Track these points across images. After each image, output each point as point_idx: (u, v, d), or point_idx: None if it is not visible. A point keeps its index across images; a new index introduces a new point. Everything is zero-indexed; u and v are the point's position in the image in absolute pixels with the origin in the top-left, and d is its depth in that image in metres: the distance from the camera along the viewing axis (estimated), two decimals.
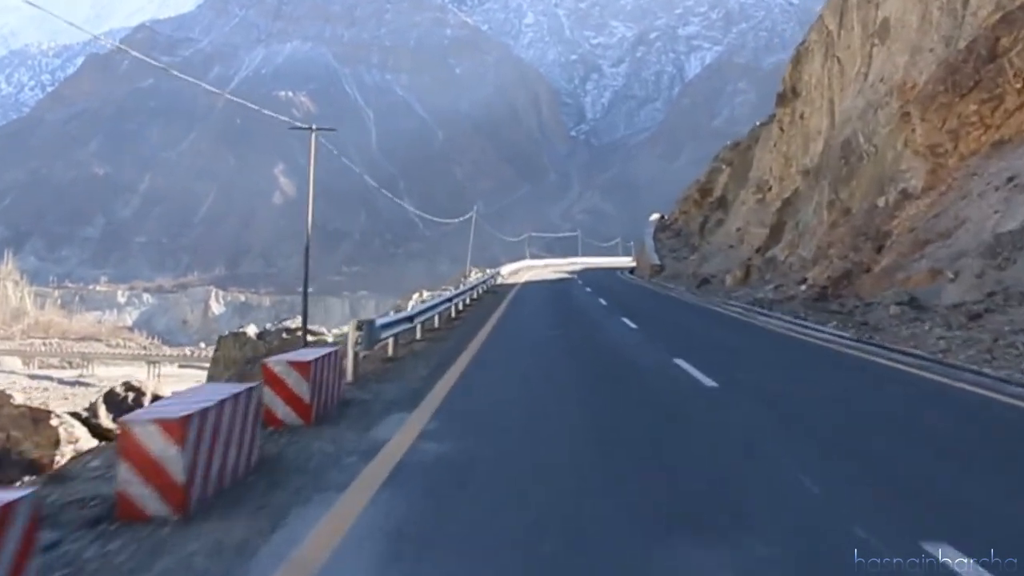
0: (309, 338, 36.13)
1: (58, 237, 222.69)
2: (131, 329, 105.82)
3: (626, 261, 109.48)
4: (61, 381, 62.84)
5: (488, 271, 51.89)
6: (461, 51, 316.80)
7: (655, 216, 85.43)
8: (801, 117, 44.98)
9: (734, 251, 47.82)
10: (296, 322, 42.72)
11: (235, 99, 40.57)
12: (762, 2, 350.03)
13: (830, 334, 18.46)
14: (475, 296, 32.62)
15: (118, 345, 73.04)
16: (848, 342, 17.02)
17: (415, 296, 38.07)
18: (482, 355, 14.92)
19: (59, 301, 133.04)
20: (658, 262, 57.13)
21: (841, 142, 34.34)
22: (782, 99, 49.70)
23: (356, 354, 12.28)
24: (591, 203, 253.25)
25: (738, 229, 50.62)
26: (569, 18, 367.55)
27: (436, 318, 20.71)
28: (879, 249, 25.47)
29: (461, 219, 77.65)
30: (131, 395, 25.97)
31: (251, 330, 47.11)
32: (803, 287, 28.04)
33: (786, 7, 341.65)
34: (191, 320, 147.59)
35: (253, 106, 36.16)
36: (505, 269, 58.40)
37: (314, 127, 38.02)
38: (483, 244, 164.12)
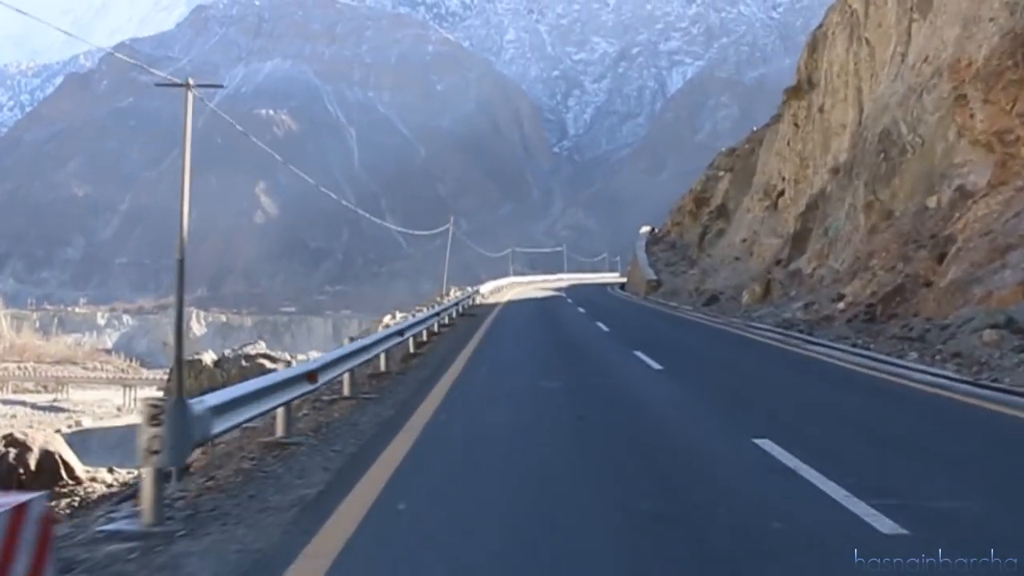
0: (270, 364, 33.50)
1: (37, 259, 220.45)
2: (110, 352, 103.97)
3: (614, 277, 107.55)
4: (34, 406, 61.14)
5: (468, 289, 45.90)
6: (443, 68, 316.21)
7: (645, 228, 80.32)
8: (820, 110, 40.13)
9: (742, 264, 43.81)
10: (259, 348, 40.36)
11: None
12: (743, 17, 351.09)
13: (923, 372, 14.00)
14: (447, 320, 27.53)
15: (95, 368, 71.57)
16: (962, 386, 12.47)
17: (386, 319, 33.23)
18: (435, 438, 9.28)
19: (37, 323, 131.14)
20: (654, 277, 52.60)
21: (878, 134, 29.49)
22: (795, 92, 45.07)
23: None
24: (574, 219, 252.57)
25: (744, 240, 46.63)
26: (551, 34, 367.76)
27: (382, 358, 15.49)
28: (940, 258, 21.31)
29: (438, 230, 74.01)
30: (12, 451, 20.03)
31: (207, 357, 42.79)
32: (840, 305, 24.09)
33: (767, 22, 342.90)
34: (172, 342, 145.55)
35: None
36: (486, 287, 52.56)
37: (191, 83, 28.09)
38: (466, 262, 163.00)
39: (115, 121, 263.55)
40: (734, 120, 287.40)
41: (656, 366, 15.50)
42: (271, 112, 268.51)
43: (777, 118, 50.46)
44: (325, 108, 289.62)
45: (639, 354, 17.22)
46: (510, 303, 44.93)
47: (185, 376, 39.39)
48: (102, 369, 72.51)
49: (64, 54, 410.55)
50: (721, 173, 63.09)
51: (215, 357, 43.13)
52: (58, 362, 74.60)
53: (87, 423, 52.33)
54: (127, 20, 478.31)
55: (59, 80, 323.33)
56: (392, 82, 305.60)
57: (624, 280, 74.51)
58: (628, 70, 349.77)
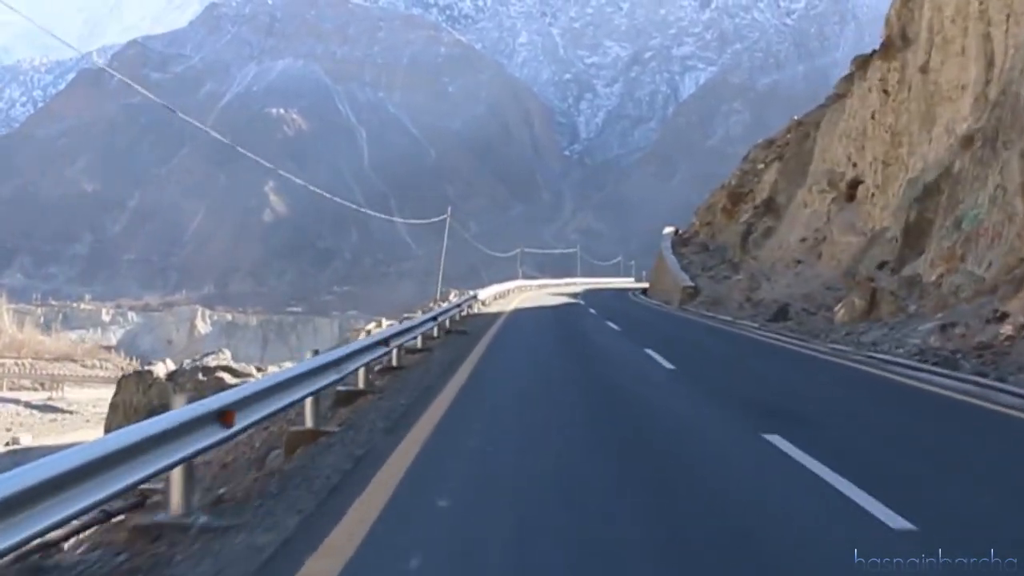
0: (230, 379, 29.01)
1: (45, 254, 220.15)
2: (109, 349, 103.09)
3: (630, 281, 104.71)
4: (28, 404, 60.07)
5: (466, 293, 38.42)
6: (454, 69, 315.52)
7: (669, 229, 73.84)
8: (922, 71, 30.68)
9: (807, 268, 36.07)
10: (222, 358, 36.81)
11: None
12: (756, 23, 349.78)
13: None
14: (419, 345, 18.49)
15: (93, 366, 70.70)
16: None
17: (371, 326, 29.31)
18: None
19: (41, 319, 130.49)
20: (691, 283, 44.49)
21: None
22: (885, 51, 35.40)
23: None
24: (584, 223, 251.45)
25: (803, 239, 39.22)
26: (563, 37, 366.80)
27: (307, 408, 9.37)
28: None
29: (435, 220, 65.86)
30: None
31: (160, 369, 38.12)
32: (1005, 329, 16.52)
33: (781, 28, 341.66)
34: (176, 339, 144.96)
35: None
36: (487, 291, 44.03)
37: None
38: (473, 264, 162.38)
39: (126, 118, 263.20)
40: (746, 126, 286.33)
41: (847, 484, 6.68)
42: (282, 111, 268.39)
43: (836, 98, 44.48)
44: (336, 108, 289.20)
45: (780, 442, 8.17)
46: (517, 312, 36.16)
47: (133, 390, 35.89)
48: (101, 367, 71.68)
49: (79, 51, 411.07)
50: (761, 166, 56.49)
51: (171, 367, 38.34)
52: (57, 359, 73.57)
53: (26, 440, 47.29)
54: (140, 18, 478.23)
55: (72, 77, 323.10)
56: (403, 83, 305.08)
57: (645, 285, 70.06)
58: (640, 74, 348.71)
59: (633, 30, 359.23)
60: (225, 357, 39.66)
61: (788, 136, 55.19)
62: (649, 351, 17.90)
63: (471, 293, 37.57)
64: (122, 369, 62.99)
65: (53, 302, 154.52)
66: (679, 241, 67.04)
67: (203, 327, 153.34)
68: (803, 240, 39.03)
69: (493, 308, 39.13)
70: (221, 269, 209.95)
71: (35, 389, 64.68)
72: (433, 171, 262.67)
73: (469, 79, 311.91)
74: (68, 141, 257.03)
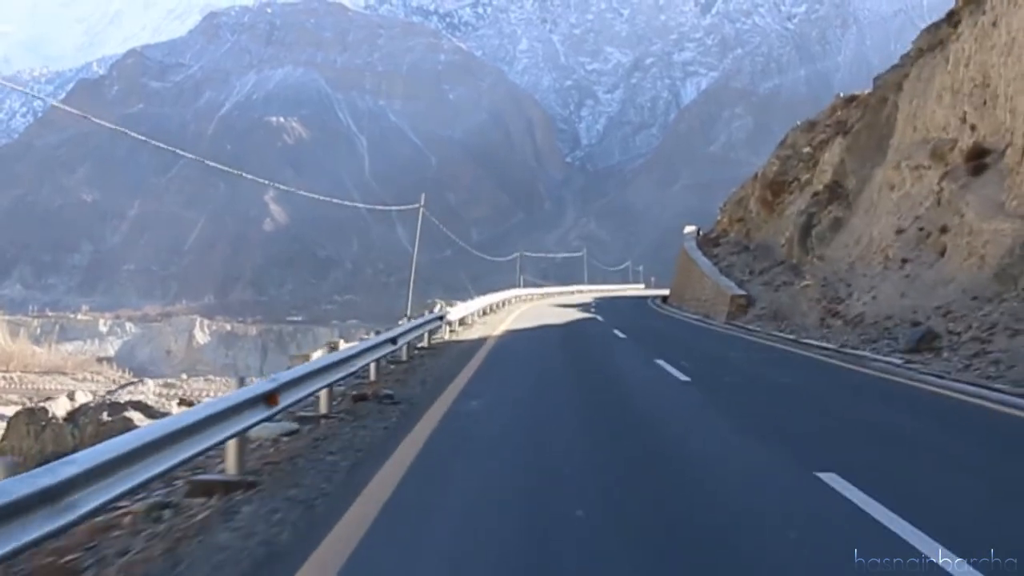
0: (140, 420, 23.47)
1: (45, 265, 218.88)
2: (101, 360, 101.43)
3: (640, 288, 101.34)
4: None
5: (439, 308, 28.62)
6: (455, 77, 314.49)
7: (691, 228, 65.38)
8: None
9: (925, 270, 25.54)
10: (143, 390, 30.58)
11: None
12: (758, 28, 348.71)
13: None
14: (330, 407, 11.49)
15: (85, 379, 69.02)
16: None
17: (317, 353, 16.06)
18: None
19: (38, 330, 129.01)
20: (741, 292, 36.81)
21: None
22: None
23: None
24: (586, 230, 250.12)
25: (899, 231, 28.68)
26: (564, 44, 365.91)
27: None
28: None
29: (406, 207, 56.97)
30: None
31: (60, 406, 30.66)
32: None
33: (782, 33, 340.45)
34: (175, 350, 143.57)
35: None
36: (469, 306, 33.53)
37: None
38: (476, 273, 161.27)
39: (125, 128, 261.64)
40: (748, 131, 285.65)
41: None
42: (282, 119, 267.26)
43: (917, 54, 35.25)
44: (336, 116, 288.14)
45: None
46: (508, 338, 26.59)
47: (24, 433, 29.20)
48: (92, 380, 70.04)
49: (78, 61, 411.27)
50: (807, 148, 47.34)
51: (72, 405, 31.30)
52: (47, 372, 71.99)
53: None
54: (141, 28, 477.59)
55: (72, 87, 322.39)
56: (403, 91, 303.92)
57: (663, 292, 64.11)
58: (642, 80, 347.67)
59: (634, 36, 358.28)
60: (147, 389, 35.10)
61: (836, 114, 47.00)
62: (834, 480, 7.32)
63: (437, 311, 26.15)
64: (114, 382, 61.33)
65: (50, 313, 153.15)
66: (705, 241, 59.18)
67: (202, 337, 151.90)
68: (900, 232, 29.05)
69: (475, 331, 28.96)
70: (221, 279, 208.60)
71: (22, 404, 63.15)
72: (434, 179, 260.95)
73: (470, 86, 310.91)
74: (67, 151, 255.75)
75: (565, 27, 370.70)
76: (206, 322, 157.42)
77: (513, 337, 27.60)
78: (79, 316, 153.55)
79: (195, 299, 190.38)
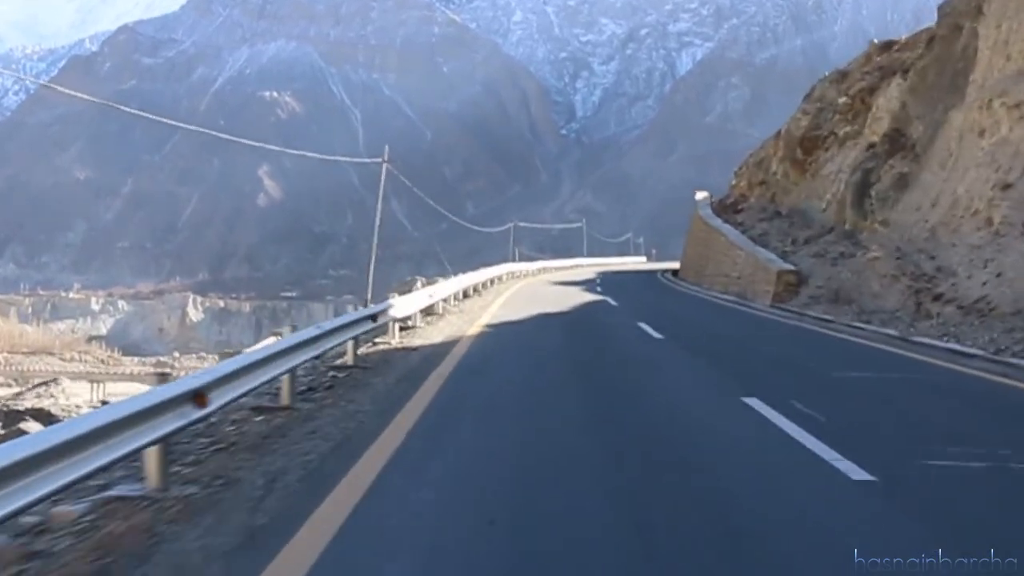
0: (34, 429, 15.95)
1: (38, 243, 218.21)
2: (93, 339, 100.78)
3: (643, 261, 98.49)
4: None
5: (419, 286, 26.64)
6: (449, 49, 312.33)
7: (703, 194, 57.03)
8: None
9: None
10: (55, 392, 25.65)
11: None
12: None
13: None
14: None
15: (73, 359, 68.29)
16: None
17: (266, 341, 18.78)
18: None
19: (30, 309, 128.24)
20: (790, 267, 29.88)
21: None
22: None
23: None
24: (583, 202, 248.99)
25: (1007, 186, 22.30)
26: (558, 15, 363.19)
27: None
28: None
29: (369, 160, 50.12)
30: None
31: None
32: None
33: (778, 2, 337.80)
34: (168, 327, 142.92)
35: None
36: (437, 291, 25.56)
37: None
38: (473, 246, 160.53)
39: (117, 104, 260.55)
40: (745, 102, 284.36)
41: None
42: (275, 94, 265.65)
43: None
44: (329, 90, 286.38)
45: None
46: (486, 341, 18.55)
47: None
48: (80, 360, 69.33)
49: (70, 38, 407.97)
50: (843, 99, 40.77)
51: None
52: (34, 352, 71.16)
53: None
54: (134, 5, 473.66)
55: (64, 64, 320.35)
56: (397, 64, 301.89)
57: (674, 266, 58.95)
58: (637, 52, 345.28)
59: (628, 7, 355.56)
60: (59, 391, 29.81)
61: (875, 60, 40.81)
62: None
63: (372, 306, 18.36)
64: (101, 362, 60.68)
65: (41, 292, 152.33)
66: (722, 208, 51.42)
67: (195, 314, 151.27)
68: (1007, 187, 22.21)
69: (444, 327, 21.30)
70: (216, 255, 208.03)
71: (8, 385, 62.30)
72: (429, 153, 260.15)
73: (464, 59, 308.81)
74: (60, 128, 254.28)
75: None
76: (199, 299, 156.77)
77: (495, 339, 18.96)
78: (71, 295, 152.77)
79: (190, 276, 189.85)
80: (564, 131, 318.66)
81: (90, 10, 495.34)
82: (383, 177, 45.05)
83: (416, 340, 18.53)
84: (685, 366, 15.06)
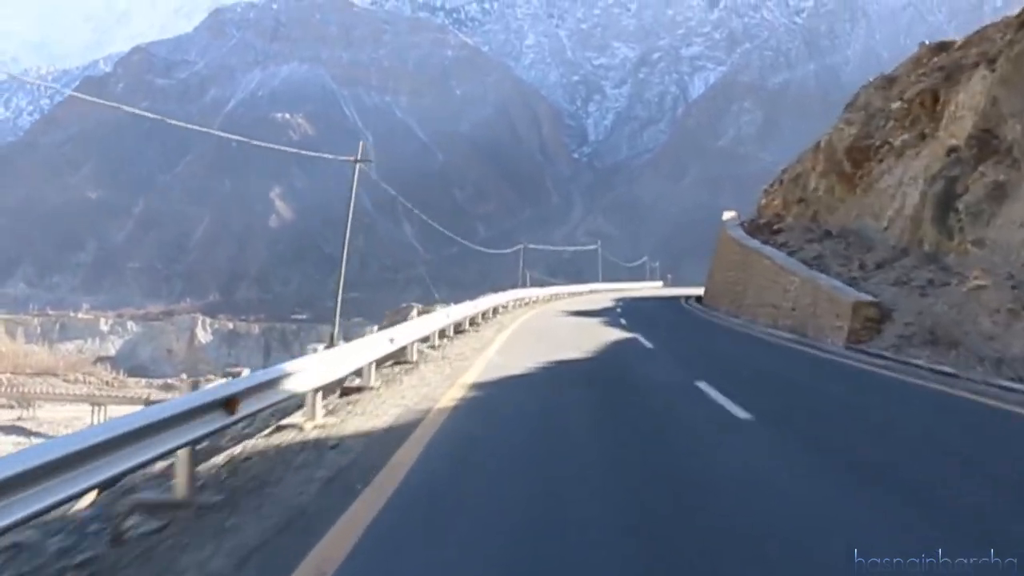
0: None
1: (49, 263, 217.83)
2: (102, 360, 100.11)
3: (658, 286, 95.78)
4: None
5: (413, 315, 24.53)
6: (461, 72, 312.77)
7: (731, 214, 53.46)
8: None
9: None
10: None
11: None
12: (766, 22, 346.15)
13: None
14: None
15: (77, 380, 67.43)
16: None
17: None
18: None
19: (38, 330, 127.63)
20: (866, 297, 23.92)
21: None
22: None
23: None
24: (594, 225, 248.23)
25: None
26: (571, 39, 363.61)
27: None
28: None
29: (344, 158, 47.84)
30: None
31: None
32: None
33: (790, 26, 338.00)
34: (177, 349, 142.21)
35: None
36: (414, 327, 19.70)
37: None
38: (484, 270, 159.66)
39: (129, 124, 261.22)
40: (757, 126, 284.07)
41: None
42: (287, 116, 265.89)
43: None
44: (342, 112, 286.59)
45: None
46: (472, 407, 12.66)
47: None
48: (84, 382, 68.44)
49: (84, 59, 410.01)
50: (896, 104, 35.94)
51: None
52: (38, 373, 70.25)
53: None
54: (148, 26, 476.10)
55: (77, 85, 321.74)
56: (410, 87, 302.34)
57: (696, 292, 56.27)
58: (649, 75, 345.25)
59: (641, 31, 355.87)
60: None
61: (929, 63, 36.83)
62: None
63: (233, 381, 8.99)
64: (106, 383, 59.90)
65: (50, 312, 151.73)
66: (755, 228, 46.01)
67: (204, 336, 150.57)
68: None
69: (404, 393, 13.93)
70: (227, 276, 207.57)
71: (11, 407, 61.50)
72: (441, 175, 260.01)
73: (476, 82, 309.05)
74: (72, 148, 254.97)
75: (572, 22, 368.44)
76: (208, 320, 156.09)
77: (482, 415, 12.36)
78: (79, 315, 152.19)
79: (200, 297, 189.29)
80: (576, 154, 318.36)
81: (105, 31, 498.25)
82: (355, 178, 39.03)
83: (353, 419, 11.42)
84: (831, 499, 7.36)
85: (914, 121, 33.43)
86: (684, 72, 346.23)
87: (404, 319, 20.71)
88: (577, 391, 14.72)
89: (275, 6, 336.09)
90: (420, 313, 22.94)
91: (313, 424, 10.82)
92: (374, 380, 14.77)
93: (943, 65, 34.22)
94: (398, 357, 18.17)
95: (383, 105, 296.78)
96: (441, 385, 14.67)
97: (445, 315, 24.00)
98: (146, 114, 31.32)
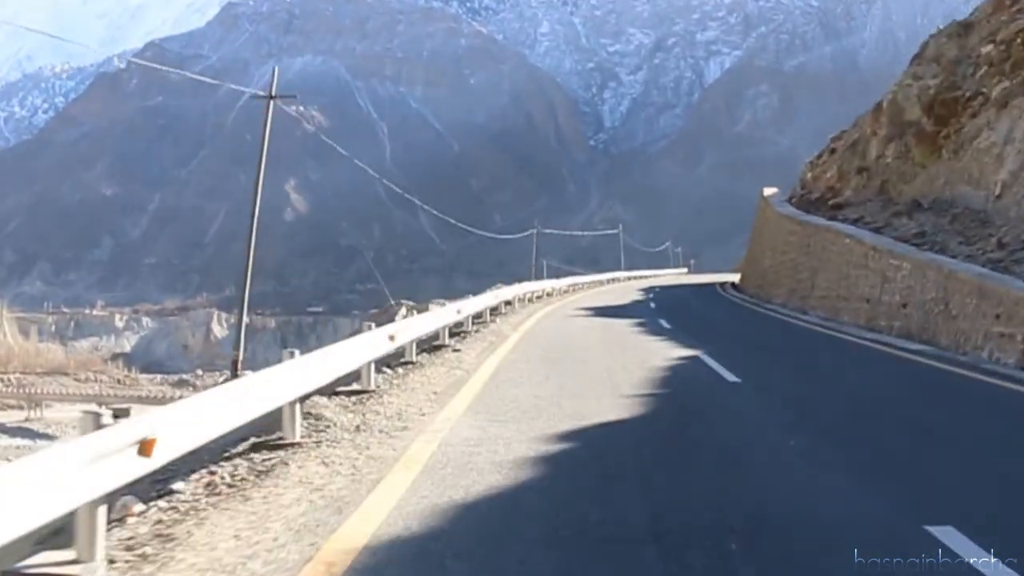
0: None
1: (65, 260, 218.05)
2: (117, 356, 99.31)
3: (681, 272, 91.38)
4: (1, 428, 55.47)
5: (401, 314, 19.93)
6: (476, 61, 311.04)
7: (772, 190, 48.21)
8: None
9: None
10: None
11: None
12: (781, 5, 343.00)
13: None
14: None
15: (88, 379, 66.46)
16: None
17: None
18: None
19: (53, 327, 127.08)
20: None
21: None
22: None
23: None
24: (611, 213, 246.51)
25: None
26: (585, 26, 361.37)
27: None
28: None
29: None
30: None
31: None
32: None
33: (806, 9, 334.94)
34: (192, 344, 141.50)
35: None
36: (341, 356, 10.55)
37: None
38: (501, 259, 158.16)
39: (144, 120, 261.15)
40: (774, 110, 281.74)
41: None
42: (302, 108, 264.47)
43: None
44: (356, 104, 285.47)
45: None
46: None
47: None
48: (96, 380, 67.41)
49: (99, 56, 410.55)
50: (987, 49, 30.46)
51: None
52: (49, 372, 69.09)
53: None
54: (161, 22, 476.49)
55: (91, 82, 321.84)
56: (424, 77, 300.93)
57: (731, 278, 53.52)
58: (664, 61, 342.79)
59: (656, 16, 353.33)
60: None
61: (1006, 9, 31.40)
62: None
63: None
64: (119, 382, 58.93)
65: (65, 309, 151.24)
66: (808, 205, 39.46)
67: (219, 331, 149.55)
68: None
69: (288, 505, 6.42)
70: (243, 270, 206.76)
71: (20, 407, 60.38)
72: (456, 165, 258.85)
73: (491, 71, 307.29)
74: (87, 145, 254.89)
75: (586, 8, 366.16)
76: (224, 315, 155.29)
77: None
78: (94, 312, 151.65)
79: (216, 292, 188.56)
80: (592, 142, 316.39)
81: (119, 28, 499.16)
82: (269, 116, 31.00)
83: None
84: None
85: (1016, 65, 27.40)
86: (699, 57, 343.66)
87: (391, 319, 15.93)
88: None
89: None
90: (409, 311, 18.41)
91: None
92: (293, 429, 8.84)
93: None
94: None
95: (398, 96, 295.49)
96: (354, 490, 7.02)
97: (416, 324, 16.36)
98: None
